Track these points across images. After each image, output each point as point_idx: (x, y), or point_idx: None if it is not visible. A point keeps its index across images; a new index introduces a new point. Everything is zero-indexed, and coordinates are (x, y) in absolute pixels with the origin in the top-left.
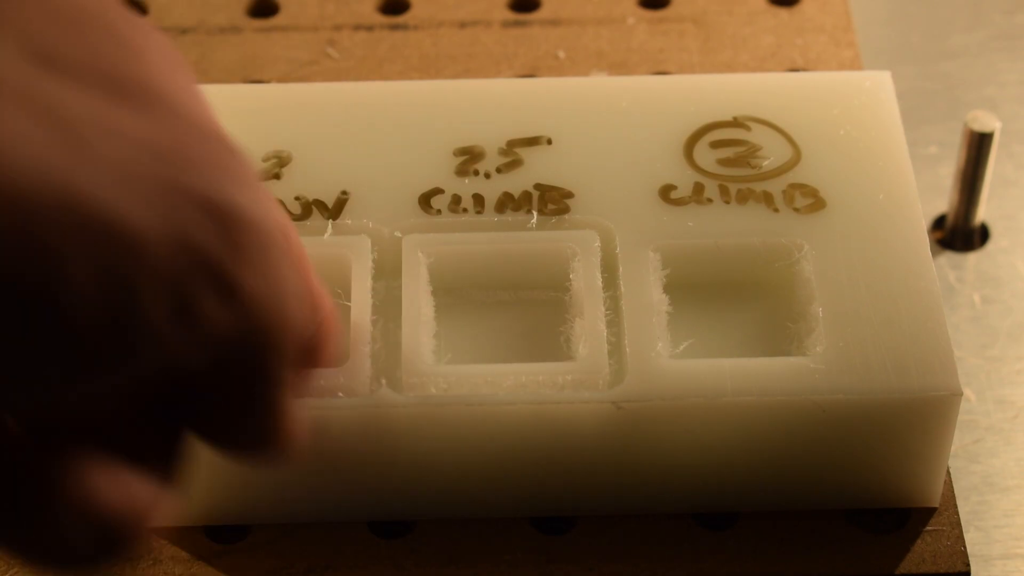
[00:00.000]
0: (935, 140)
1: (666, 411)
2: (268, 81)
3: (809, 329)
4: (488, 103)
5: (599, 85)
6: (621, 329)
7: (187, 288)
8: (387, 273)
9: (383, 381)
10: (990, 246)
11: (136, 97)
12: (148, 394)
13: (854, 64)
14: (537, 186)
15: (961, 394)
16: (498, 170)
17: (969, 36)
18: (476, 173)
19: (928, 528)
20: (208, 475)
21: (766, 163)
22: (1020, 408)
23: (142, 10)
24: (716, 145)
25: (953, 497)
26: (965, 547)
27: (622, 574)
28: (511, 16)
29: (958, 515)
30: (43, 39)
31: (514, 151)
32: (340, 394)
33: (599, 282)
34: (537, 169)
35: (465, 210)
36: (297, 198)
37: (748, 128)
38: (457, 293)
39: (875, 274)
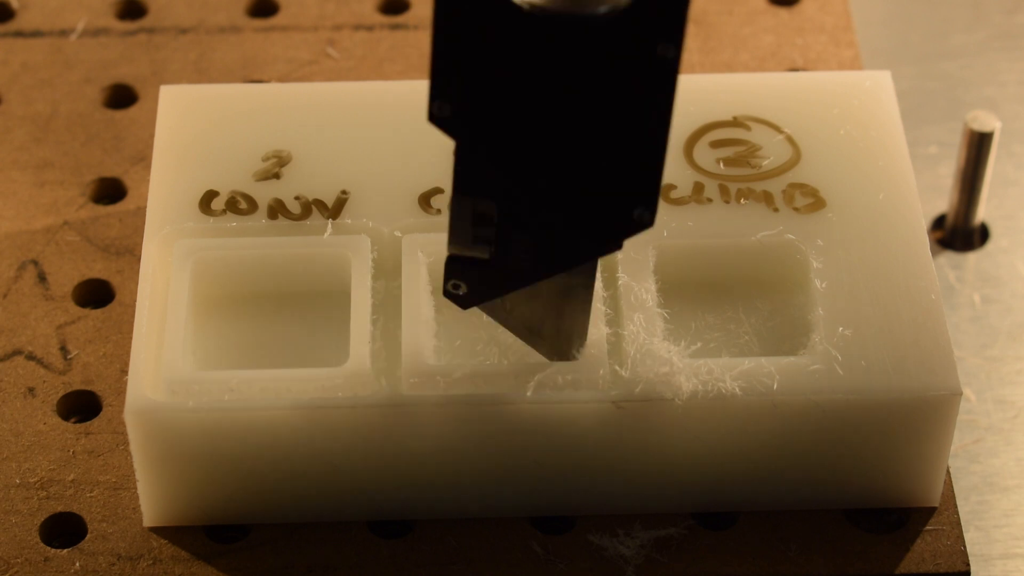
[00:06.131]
0: (935, 140)
1: (666, 411)
2: (268, 81)
3: (809, 329)
4: None
5: None
6: (621, 329)
7: None
8: (387, 273)
9: (383, 381)
10: (990, 246)
11: None
12: None
13: (854, 64)
14: None
15: (961, 394)
16: None
17: (969, 36)
18: None
19: (928, 528)
20: (208, 475)
21: (766, 163)
22: (1020, 408)
23: (142, 10)
24: (716, 145)
25: (953, 497)
26: (965, 547)
27: (621, 573)
28: None
29: (958, 515)
30: None
31: None
32: (340, 394)
33: (599, 282)
34: None
35: None
36: (297, 198)
37: (748, 128)
38: None
39: (875, 274)
